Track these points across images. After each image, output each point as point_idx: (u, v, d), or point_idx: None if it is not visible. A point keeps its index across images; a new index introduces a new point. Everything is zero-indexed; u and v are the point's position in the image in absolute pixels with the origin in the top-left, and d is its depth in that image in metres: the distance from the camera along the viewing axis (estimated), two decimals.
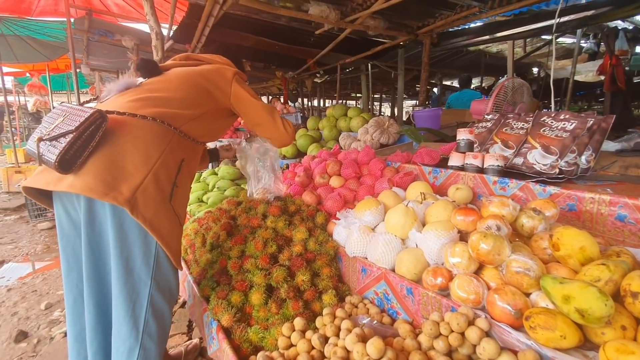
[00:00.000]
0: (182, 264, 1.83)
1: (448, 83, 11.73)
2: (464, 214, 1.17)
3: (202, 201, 2.53)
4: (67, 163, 0.99)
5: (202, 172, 2.98)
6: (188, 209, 2.45)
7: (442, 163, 1.95)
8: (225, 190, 2.49)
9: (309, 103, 12.30)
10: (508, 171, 1.61)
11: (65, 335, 1.97)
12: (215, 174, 2.79)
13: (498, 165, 1.58)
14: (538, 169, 1.54)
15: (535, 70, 9.38)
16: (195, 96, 1.32)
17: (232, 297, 1.33)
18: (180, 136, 1.23)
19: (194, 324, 2.02)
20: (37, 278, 2.70)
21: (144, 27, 5.77)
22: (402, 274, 1.16)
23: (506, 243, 0.95)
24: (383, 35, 5.37)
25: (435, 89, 12.11)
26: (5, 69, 6.97)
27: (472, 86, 13.04)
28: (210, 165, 2.88)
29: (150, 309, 1.14)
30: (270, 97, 11.54)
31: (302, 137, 3.67)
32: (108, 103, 1.24)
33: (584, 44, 6.60)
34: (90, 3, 4.83)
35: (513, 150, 1.70)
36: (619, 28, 4.79)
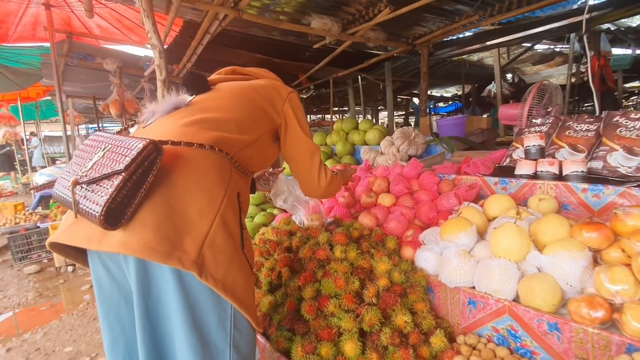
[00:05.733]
0: None
1: (428, 92, 11.99)
2: (594, 230, 1.03)
3: None
4: (114, 215, 0.73)
5: None
6: None
7: (499, 172, 1.83)
8: (253, 217, 2.26)
9: None
10: (588, 177, 1.50)
11: None
12: None
13: (582, 171, 1.47)
14: (623, 172, 1.44)
15: (509, 76, 9.76)
16: (252, 117, 1.09)
17: (321, 350, 1.11)
18: (235, 166, 0.99)
19: None
20: (37, 333, 2.32)
21: (127, 49, 5.48)
22: (536, 306, 1.00)
23: None
24: (378, 47, 5.35)
25: (415, 99, 12.36)
26: None
27: (451, 94, 13.39)
28: None
29: None
30: None
31: None
32: (154, 128, 0.99)
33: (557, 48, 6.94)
34: (71, 26, 4.52)
35: (584, 154, 1.61)
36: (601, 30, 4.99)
